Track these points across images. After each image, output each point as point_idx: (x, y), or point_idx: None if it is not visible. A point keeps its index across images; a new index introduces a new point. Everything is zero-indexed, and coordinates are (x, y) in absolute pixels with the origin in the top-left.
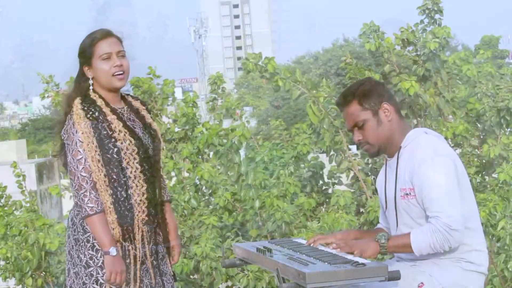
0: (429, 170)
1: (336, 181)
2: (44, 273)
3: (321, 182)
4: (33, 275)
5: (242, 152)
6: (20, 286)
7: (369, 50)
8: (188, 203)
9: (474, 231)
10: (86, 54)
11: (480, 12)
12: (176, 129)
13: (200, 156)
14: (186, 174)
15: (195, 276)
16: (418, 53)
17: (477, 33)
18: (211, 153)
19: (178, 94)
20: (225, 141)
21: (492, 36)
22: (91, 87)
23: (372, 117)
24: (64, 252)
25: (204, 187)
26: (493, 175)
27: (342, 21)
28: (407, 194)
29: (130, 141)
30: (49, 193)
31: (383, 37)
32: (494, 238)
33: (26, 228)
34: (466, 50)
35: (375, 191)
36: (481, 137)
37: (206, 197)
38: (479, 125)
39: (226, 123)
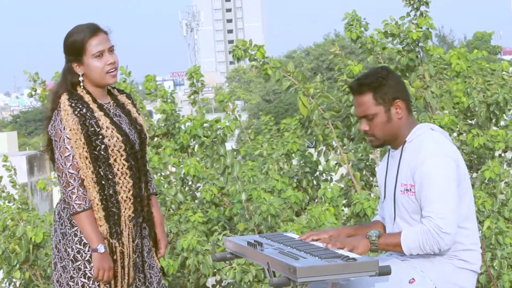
0: (430, 169)
1: (328, 177)
2: (32, 266)
3: (317, 175)
4: (21, 268)
5: (232, 144)
6: (8, 279)
7: (351, 40)
8: (175, 197)
9: (469, 230)
10: (76, 52)
11: (473, 8)
12: (159, 125)
13: (185, 151)
14: (173, 169)
15: (183, 270)
16: (403, 44)
17: (470, 29)
18: (196, 147)
19: (170, 87)
20: (209, 132)
21: (485, 32)
22: (81, 84)
23: (383, 113)
24: (51, 244)
25: (190, 182)
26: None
27: (334, 15)
28: (407, 190)
29: (118, 138)
30: (39, 187)
31: (367, 27)
32: (482, 236)
33: (13, 221)
34: (462, 46)
35: (364, 187)
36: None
37: (192, 191)
38: (468, 120)
39: (217, 116)
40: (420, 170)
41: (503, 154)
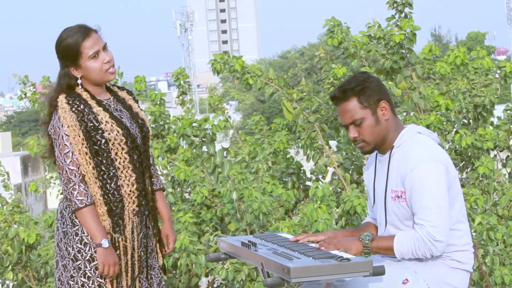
0: (421, 176)
1: (319, 177)
2: (24, 267)
3: (303, 178)
4: (14, 269)
5: (225, 145)
6: (1, 280)
7: (334, 46)
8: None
9: (461, 232)
10: (72, 56)
11: (468, 9)
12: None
13: (174, 152)
14: (164, 171)
15: (174, 272)
16: (387, 47)
17: (465, 29)
18: (185, 147)
19: (164, 88)
20: (198, 132)
21: (478, 32)
22: (79, 87)
23: (370, 116)
24: (44, 246)
25: (181, 183)
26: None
27: (328, 16)
28: (398, 196)
29: (118, 132)
30: (31, 189)
31: (349, 31)
32: (475, 233)
33: (5, 223)
34: (452, 48)
35: (356, 188)
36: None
37: (183, 192)
38: (455, 121)
39: (206, 115)
40: (410, 176)
41: (497, 154)
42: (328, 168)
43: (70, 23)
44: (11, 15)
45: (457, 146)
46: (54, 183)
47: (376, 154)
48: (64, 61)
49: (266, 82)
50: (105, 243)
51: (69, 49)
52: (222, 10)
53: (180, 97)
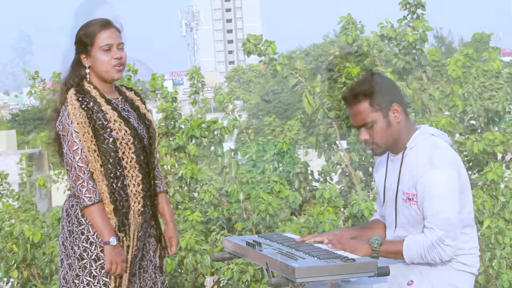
0: (433, 181)
1: (327, 177)
2: (29, 265)
3: (310, 178)
4: (18, 267)
5: (231, 144)
6: (6, 278)
7: (347, 43)
8: (173, 197)
9: (469, 235)
10: (85, 43)
11: (473, 9)
12: (159, 124)
13: (183, 151)
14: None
15: (180, 270)
16: (399, 47)
17: (470, 30)
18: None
19: (169, 87)
20: (207, 133)
21: (484, 33)
22: (87, 76)
23: (382, 119)
24: (49, 244)
25: (188, 181)
26: (481, 173)
27: (333, 16)
28: (409, 199)
29: (126, 131)
30: (38, 183)
31: (363, 30)
32: (481, 235)
33: (11, 221)
34: (465, 48)
35: (364, 187)
36: (469, 135)
37: (191, 192)
38: (466, 123)
39: (215, 116)
40: (422, 180)
41: (501, 156)
42: (339, 165)
43: (73, 22)
44: (13, 14)
45: (465, 150)
46: (62, 178)
47: (388, 153)
48: (78, 46)
49: (291, 72)
50: (113, 240)
51: (85, 36)
52: (228, 10)
53: (192, 96)
